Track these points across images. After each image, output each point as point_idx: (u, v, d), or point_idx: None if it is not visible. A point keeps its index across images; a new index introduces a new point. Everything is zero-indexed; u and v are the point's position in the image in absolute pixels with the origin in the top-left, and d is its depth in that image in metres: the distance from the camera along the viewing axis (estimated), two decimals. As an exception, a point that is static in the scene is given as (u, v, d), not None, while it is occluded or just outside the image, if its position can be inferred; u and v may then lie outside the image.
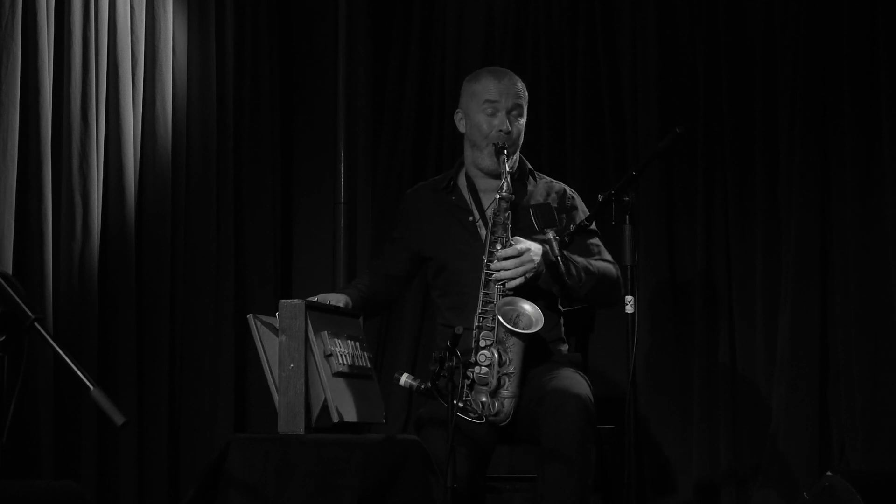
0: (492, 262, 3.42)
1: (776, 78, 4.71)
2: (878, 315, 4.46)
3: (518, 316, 3.35)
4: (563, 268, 3.34)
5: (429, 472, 3.06)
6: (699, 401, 4.67)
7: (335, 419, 3.05)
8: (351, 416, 3.10)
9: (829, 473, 3.18)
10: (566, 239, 3.38)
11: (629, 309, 3.23)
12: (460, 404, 3.19)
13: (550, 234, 3.30)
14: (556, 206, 3.54)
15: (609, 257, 3.67)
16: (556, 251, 3.28)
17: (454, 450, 2.90)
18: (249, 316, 3.21)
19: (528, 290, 3.42)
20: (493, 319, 3.36)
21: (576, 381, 3.43)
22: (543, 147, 4.94)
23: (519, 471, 4.45)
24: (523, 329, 3.32)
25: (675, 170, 4.82)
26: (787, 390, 4.53)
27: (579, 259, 3.50)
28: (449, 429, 2.89)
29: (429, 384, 3.01)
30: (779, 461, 4.51)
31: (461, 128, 3.71)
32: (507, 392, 3.32)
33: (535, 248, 3.42)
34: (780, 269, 4.62)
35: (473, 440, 3.30)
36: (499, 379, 3.32)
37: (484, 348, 3.35)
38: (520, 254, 3.39)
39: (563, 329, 3.70)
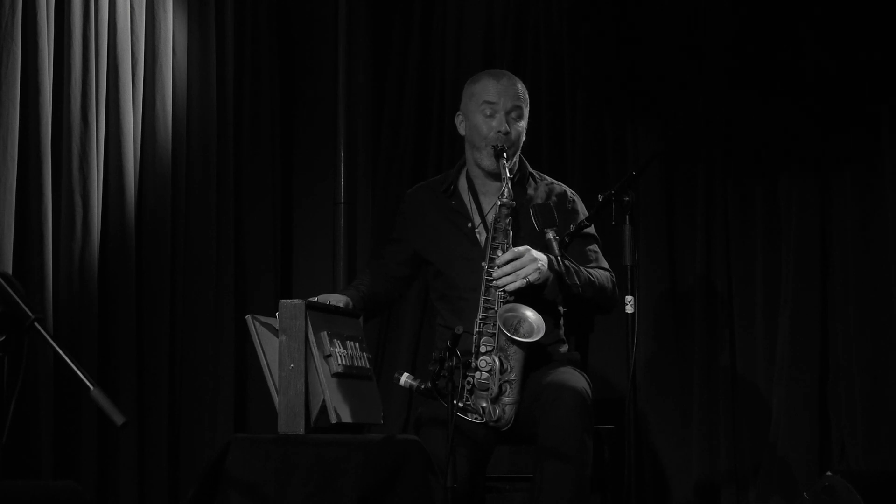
0: (492, 268, 3.41)
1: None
2: (878, 315, 4.46)
3: (519, 322, 3.34)
4: (560, 267, 3.33)
5: (429, 472, 3.06)
6: (699, 401, 4.66)
7: (333, 420, 3.05)
8: (348, 416, 3.10)
9: (829, 473, 3.19)
10: (566, 239, 3.38)
11: (629, 309, 3.23)
12: (461, 405, 3.19)
13: (550, 235, 3.30)
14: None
15: (605, 264, 3.66)
16: (557, 251, 3.28)
17: (454, 450, 2.90)
18: (248, 317, 3.21)
19: (528, 296, 3.41)
20: (494, 325, 3.35)
21: (572, 376, 3.43)
22: (543, 147, 4.93)
23: (519, 471, 4.45)
24: (524, 337, 3.31)
25: (675, 170, 4.82)
26: (787, 390, 4.52)
27: (581, 269, 3.50)
28: (449, 429, 2.88)
29: (429, 384, 3.01)
30: (779, 461, 4.50)
31: (461, 130, 3.69)
32: (508, 399, 3.32)
33: (538, 253, 3.40)
34: (780, 270, 4.62)
35: (473, 440, 3.30)
36: (500, 386, 3.31)
37: (485, 354, 3.34)
38: (517, 256, 3.38)
39: (562, 330, 3.70)
